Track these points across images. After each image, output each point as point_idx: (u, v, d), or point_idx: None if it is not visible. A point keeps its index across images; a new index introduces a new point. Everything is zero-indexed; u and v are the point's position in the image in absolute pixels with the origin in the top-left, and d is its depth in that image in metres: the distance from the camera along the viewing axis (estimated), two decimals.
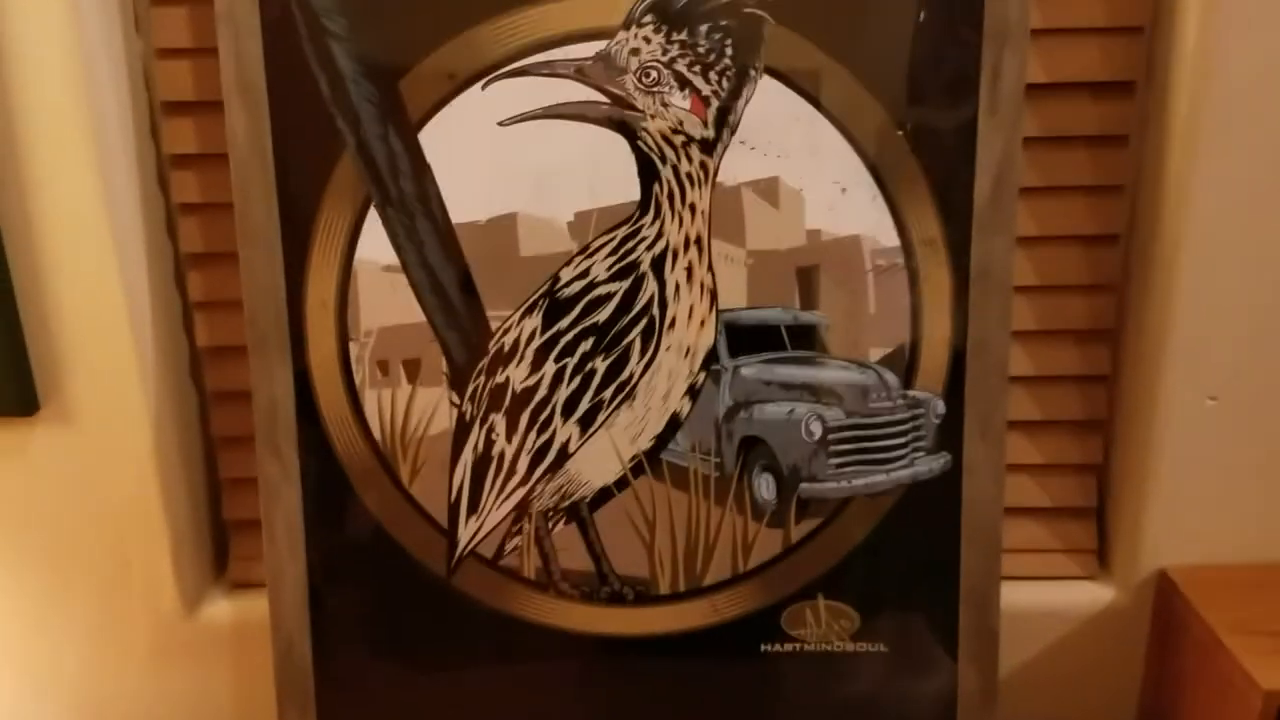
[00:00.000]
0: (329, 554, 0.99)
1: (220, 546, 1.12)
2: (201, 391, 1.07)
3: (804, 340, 0.95)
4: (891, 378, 0.95)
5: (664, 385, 0.95)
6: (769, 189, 0.92)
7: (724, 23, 0.88)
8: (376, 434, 0.97)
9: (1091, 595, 1.06)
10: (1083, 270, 1.00)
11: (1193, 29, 0.89)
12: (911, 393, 0.95)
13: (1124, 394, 1.03)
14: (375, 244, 0.93)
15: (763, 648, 1.00)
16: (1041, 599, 1.06)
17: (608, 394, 0.94)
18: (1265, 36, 0.88)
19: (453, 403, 0.96)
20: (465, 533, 0.98)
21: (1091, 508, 1.07)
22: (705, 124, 0.90)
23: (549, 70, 0.89)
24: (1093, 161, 0.98)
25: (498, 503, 0.97)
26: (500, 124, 0.91)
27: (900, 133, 0.90)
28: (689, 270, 0.93)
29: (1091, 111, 0.96)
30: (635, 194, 0.92)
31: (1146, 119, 0.97)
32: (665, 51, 0.88)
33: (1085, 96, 0.96)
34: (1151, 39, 0.95)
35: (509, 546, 0.99)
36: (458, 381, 0.96)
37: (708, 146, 0.91)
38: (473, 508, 0.98)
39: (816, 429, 0.95)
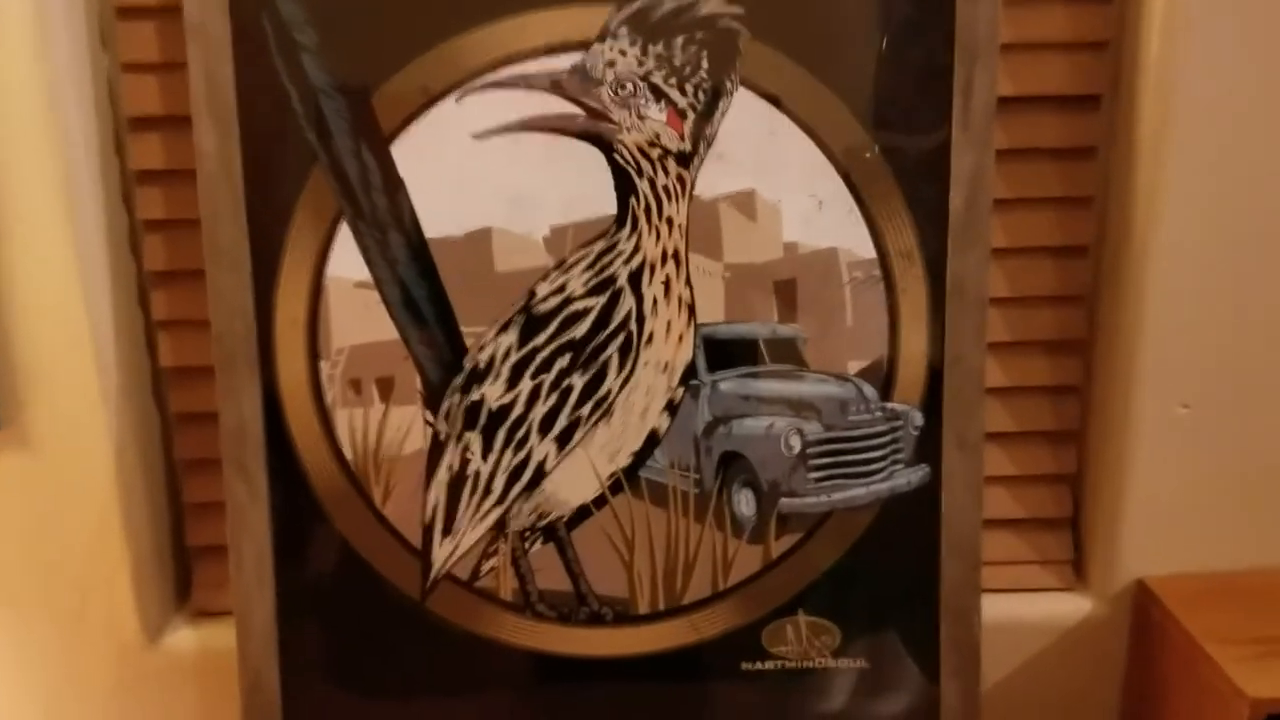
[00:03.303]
0: (298, 579, 0.97)
1: (182, 574, 1.08)
2: (164, 413, 1.04)
3: (782, 354, 0.95)
4: (870, 390, 0.95)
5: (642, 401, 0.93)
6: (746, 202, 0.92)
7: (700, 35, 0.88)
8: (348, 455, 0.95)
9: (1069, 607, 1.06)
10: (1053, 281, 1.01)
11: (1156, 44, 0.91)
12: (890, 405, 0.95)
13: (1096, 404, 1.04)
14: (347, 260, 0.92)
15: (744, 666, 0.99)
16: (1019, 611, 1.05)
17: (585, 411, 0.93)
18: (1226, 50, 0.90)
19: (427, 422, 0.94)
20: (440, 554, 0.96)
21: (1066, 518, 1.07)
22: (682, 137, 0.90)
23: (524, 83, 0.88)
24: (1061, 174, 0.98)
25: (473, 523, 0.95)
26: (475, 137, 0.89)
27: (875, 148, 0.90)
28: (666, 284, 0.92)
29: (1059, 124, 0.97)
30: (612, 208, 0.91)
31: (1114, 132, 0.98)
32: (641, 64, 0.88)
33: (1053, 110, 0.97)
34: (1116, 54, 0.96)
35: (485, 568, 0.97)
36: (432, 400, 0.94)
37: (684, 160, 0.90)
38: (447, 529, 0.96)
39: (796, 443, 0.94)
